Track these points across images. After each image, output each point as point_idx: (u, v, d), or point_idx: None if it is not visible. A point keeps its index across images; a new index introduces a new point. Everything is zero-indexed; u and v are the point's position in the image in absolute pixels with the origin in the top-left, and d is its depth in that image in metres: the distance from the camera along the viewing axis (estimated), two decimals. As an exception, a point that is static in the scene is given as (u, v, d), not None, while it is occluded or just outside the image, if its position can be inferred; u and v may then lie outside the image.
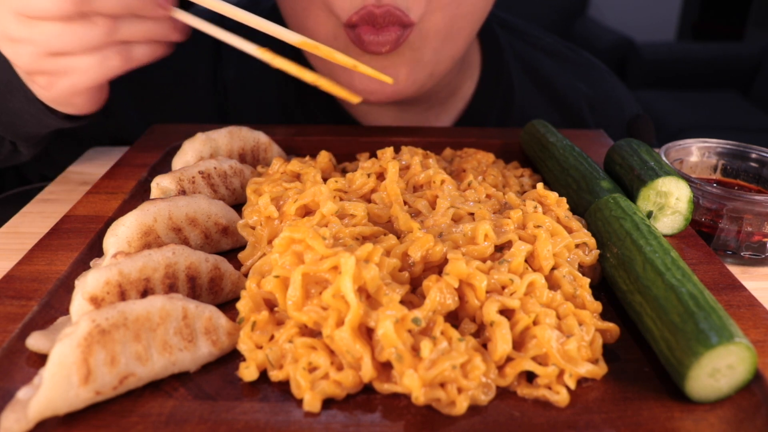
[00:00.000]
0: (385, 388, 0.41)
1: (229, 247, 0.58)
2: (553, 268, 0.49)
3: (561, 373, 0.42)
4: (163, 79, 0.93)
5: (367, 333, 0.43)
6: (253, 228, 0.56)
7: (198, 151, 0.66)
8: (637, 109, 1.06)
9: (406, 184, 0.61)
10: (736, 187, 0.69)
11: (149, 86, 0.93)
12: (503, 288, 0.46)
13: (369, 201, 0.59)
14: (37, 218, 0.67)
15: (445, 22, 0.75)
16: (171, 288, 0.47)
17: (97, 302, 0.43)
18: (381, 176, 0.61)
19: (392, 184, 0.58)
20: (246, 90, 0.94)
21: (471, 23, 0.78)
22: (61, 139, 0.90)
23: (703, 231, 0.64)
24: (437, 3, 0.72)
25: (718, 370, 0.40)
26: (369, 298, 0.44)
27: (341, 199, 0.57)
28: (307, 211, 0.56)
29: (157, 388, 0.41)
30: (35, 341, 0.43)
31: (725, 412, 0.40)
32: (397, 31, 0.72)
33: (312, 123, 0.91)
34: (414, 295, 0.47)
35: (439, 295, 0.44)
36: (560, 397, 0.41)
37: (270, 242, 0.55)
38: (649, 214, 0.60)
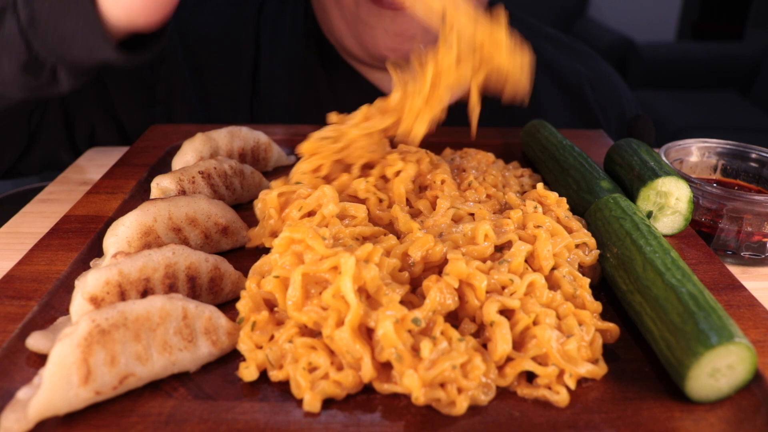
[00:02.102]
0: (385, 388, 0.41)
1: (229, 247, 0.58)
2: (553, 268, 0.49)
3: (561, 373, 0.42)
4: (208, 41, 0.96)
5: (367, 333, 0.43)
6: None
7: (198, 151, 0.66)
8: (636, 106, 1.09)
9: (413, 184, 0.61)
10: (736, 187, 0.69)
11: (196, 49, 0.95)
12: (503, 288, 0.46)
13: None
14: (37, 218, 0.67)
15: None
16: (171, 288, 0.47)
17: (97, 302, 0.43)
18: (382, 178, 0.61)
19: (399, 187, 0.58)
20: (276, 48, 0.98)
21: None
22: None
23: (703, 231, 0.64)
24: None
25: (718, 370, 0.40)
26: (369, 298, 0.44)
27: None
28: (310, 212, 0.56)
29: (157, 388, 0.41)
30: (35, 341, 0.43)
31: (725, 412, 0.40)
32: None
33: (336, 91, 0.96)
34: (414, 295, 0.47)
35: (439, 295, 0.44)
36: (560, 397, 0.41)
37: (271, 235, 0.56)
38: (649, 214, 0.60)
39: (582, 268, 0.52)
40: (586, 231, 0.54)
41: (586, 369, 0.43)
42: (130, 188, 0.66)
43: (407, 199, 0.60)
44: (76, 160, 0.94)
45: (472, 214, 0.54)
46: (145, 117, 0.92)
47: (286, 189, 0.57)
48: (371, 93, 0.96)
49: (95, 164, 0.81)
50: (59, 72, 0.68)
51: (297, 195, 0.57)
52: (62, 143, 0.93)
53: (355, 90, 0.96)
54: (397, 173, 0.61)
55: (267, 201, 0.56)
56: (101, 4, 0.62)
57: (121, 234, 0.50)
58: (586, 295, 0.48)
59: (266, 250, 0.55)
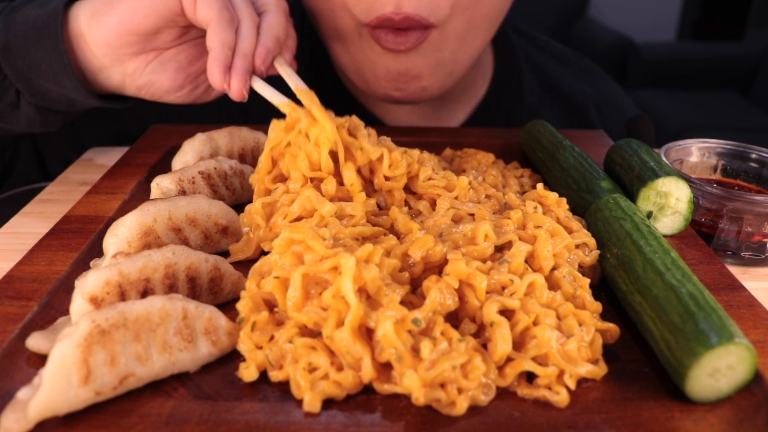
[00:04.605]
0: (385, 388, 0.41)
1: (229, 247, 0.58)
2: (553, 269, 0.49)
3: (561, 374, 0.42)
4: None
5: (367, 333, 0.43)
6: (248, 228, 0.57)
7: (198, 151, 0.66)
8: (636, 112, 1.08)
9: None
10: (736, 188, 0.69)
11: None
12: (503, 288, 0.46)
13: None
14: (37, 218, 0.67)
15: (464, 25, 0.77)
16: (171, 288, 0.47)
17: (97, 302, 0.43)
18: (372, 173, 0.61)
19: (399, 190, 0.58)
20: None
21: (489, 24, 0.80)
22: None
23: (703, 231, 0.64)
24: (458, 7, 0.74)
25: (718, 370, 0.40)
26: (369, 298, 0.44)
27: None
28: (299, 218, 0.56)
29: (157, 388, 0.41)
30: (35, 341, 0.43)
31: (725, 412, 0.40)
32: (416, 34, 0.73)
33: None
34: (414, 296, 0.47)
35: (439, 295, 0.44)
36: (560, 398, 0.41)
37: (258, 246, 0.56)
38: (649, 215, 0.60)
39: (582, 269, 0.52)
40: (586, 231, 0.54)
41: (586, 369, 0.43)
42: (130, 188, 0.66)
43: (405, 200, 0.60)
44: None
45: (472, 215, 0.54)
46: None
47: (270, 200, 0.57)
48: (371, 121, 0.93)
49: (95, 164, 0.81)
50: (23, 97, 0.68)
51: (281, 203, 0.57)
52: (36, 175, 0.93)
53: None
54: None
55: (252, 210, 0.56)
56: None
57: (121, 234, 0.50)
58: (586, 295, 0.48)
59: (254, 261, 0.55)
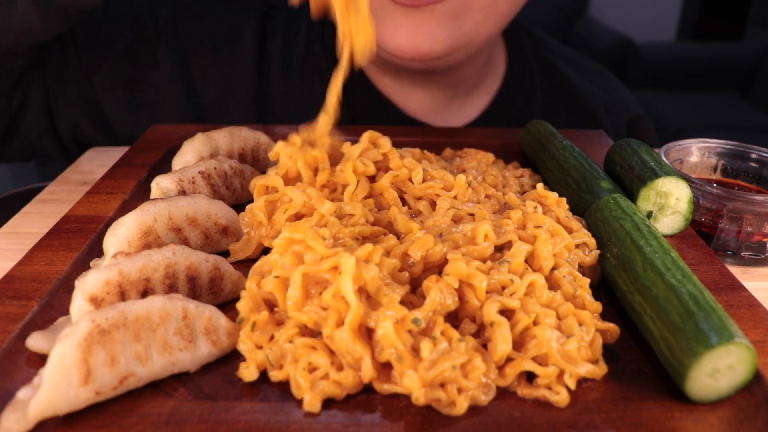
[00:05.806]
0: (385, 388, 0.41)
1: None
2: (553, 269, 0.49)
3: (561, 374, 0.42)
4: (207, 50, 0.93)
5: (367, 333, 0.43)
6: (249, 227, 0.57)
7: (198, 151, 0.66)
8: (640, 112, 1.09)
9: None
10: (736, 187, 0.69)
11: (192, 56, 0.93)
12: (503, 288, 0.46)
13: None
14: (37, 218, 0.67)
15: None
16: (171, 288, 0.47)
17: (97, 302, 0.43)
18: (372, 179, 0.61)
19: (389, 190, 0.58)
20: (288, 59, 0.94)
21: (510, 6, 0.79)
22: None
23: (703, 231, 0.64)
24: None
25: (718, 370, 0.40)
26: (369, 298, 0.44)
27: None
28: (299, 216, 0.56)
29: (157, 388, 0.41)
30: (35, 341, 0.43)
31: (725, 412, 0.40)
32: None
33: (347, 99, 0.93)
34: (414, 296, 0.47)
35: (439, 295, 0.44)
36: (560, 398, 0.41)
37: (258, 246, 0.56)
38: (649, 215, 0.60)
39: (582, 269, 0.52)
40: (586, 231, 0.54)
41: (586, 369, 0.43)
42: (130, 188, 0.66)
43: (404, 200, 0.60)
44: (60, 150, 0.94)
45: (472, 215, 0.54)
46: (131, 117, 0.91)
47: (272, 198, 0.57)
48: (386, 106, 0.93)
49: (95, 164, 0.81)
50: None
51: (282, 201, 0.57)
52: (45, 133, 0.92)
53: (369, 102, 0.93)
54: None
55: (255, 208, 0.56)
56: None
57: (121, 234, 0.50)
58: (586, 295, 0.48)
59: (254, 260, 0.55)
